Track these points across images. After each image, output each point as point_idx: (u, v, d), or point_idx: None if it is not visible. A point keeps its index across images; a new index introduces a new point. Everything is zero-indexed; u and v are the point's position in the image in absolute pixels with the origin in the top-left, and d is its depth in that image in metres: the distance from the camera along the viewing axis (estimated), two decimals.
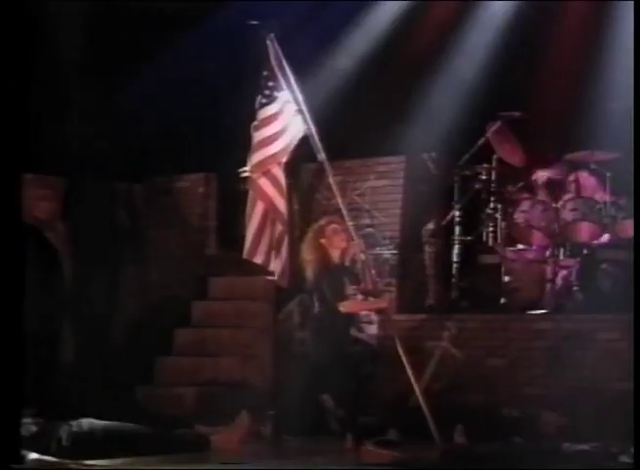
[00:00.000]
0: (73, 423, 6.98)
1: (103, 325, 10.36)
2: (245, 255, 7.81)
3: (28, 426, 6.77)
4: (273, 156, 7.80)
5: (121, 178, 10.91)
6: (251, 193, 7.82)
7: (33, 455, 6.55)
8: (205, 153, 10.57)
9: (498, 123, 9.65)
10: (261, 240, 7.74)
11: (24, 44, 6.10)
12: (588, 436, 6.90)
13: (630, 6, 8.25)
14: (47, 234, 10.18)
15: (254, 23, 8.17)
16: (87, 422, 7.04)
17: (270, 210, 7.76)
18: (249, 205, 7.81)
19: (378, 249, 10.05)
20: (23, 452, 6.41)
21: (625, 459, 6.40)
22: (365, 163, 10.49)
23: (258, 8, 9.76)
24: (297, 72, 8.03)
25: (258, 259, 7.78)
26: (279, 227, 7.77)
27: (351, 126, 10.16)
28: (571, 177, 9.56)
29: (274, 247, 7.75)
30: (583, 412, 7.66)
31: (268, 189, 7.76)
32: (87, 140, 10.32)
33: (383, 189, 10.34)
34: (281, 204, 7.80)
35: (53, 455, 6.68)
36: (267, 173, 7.77)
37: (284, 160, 7.86)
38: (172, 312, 10.23)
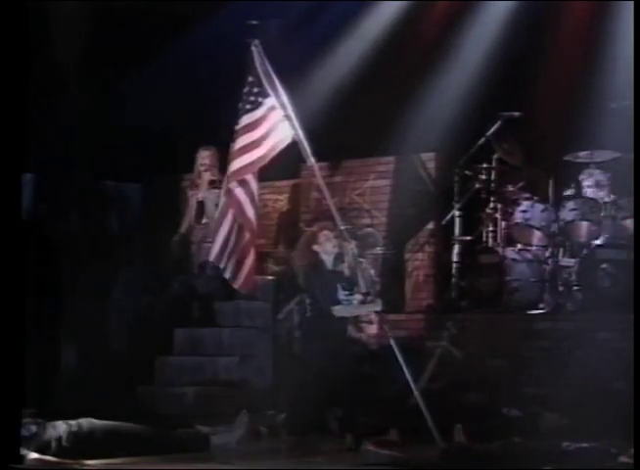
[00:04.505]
0: (73, 423, 6.98)
1: (103, 325, 10.35)
2: (212, 258, 7.98)
3: (28, 426, 6.77)
4: (252, 163, 7.89)
5: (122, 178, 10.92)
6: (223, 199, 7.92)
7: (33, 455, 6.56)
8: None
9: (498, 123, 9.66)
10: (227, 246, 7.86)
11: (24, 44, 6.10)
12: (588, 436, 6.89)
13: (630, 6, 8.25)
14: (47, 234, 10.19)
15: (254, 22, 8.18)
16: (87, 422, 7.04)
17: (240, 218, 7.87)
18: (220, 210, 7.93)
19: (378, 248, 10.05)
20: (23, 452, 6.42)
21: (625, 459, 6.40)
22: (365, 163, 10.50)
23: (257, 9, 9.77)
24: (296, 74, 8.04)
25: (222, 264, 7.94)
26: (247, 235, 7.87)
27: (351, 127, 10.16)
28: (572, 177, 9.57)
29: (237, 254, 7.87)
30: (583, 412, 7.65)
31: (242, 198, 7.89)
32: (87, 140, 10.32)
33: (383, 189, 10.35)
34: (251, 213, 7.92)
35: (53, 455, 6.68)
36: (243, 182, 7.86)
37: (260, 166, 7.95)
38: (172, 312, 10.22)
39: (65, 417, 7.09)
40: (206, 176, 10.15)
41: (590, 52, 9.49)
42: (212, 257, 7.94)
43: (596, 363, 8.13)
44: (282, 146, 7.89)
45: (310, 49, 10.20)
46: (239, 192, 7.86)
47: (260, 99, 7.87)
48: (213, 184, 10.06)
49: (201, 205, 10.17)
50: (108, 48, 10.24)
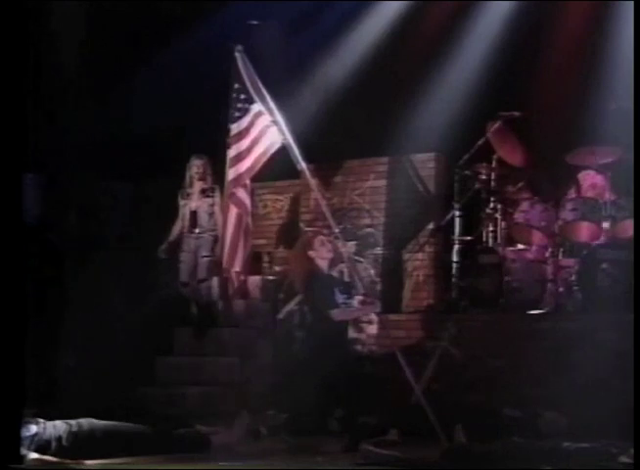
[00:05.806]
0: (73, 423, 6.98)
1: (103, 325, 10.36)
2: (225, 264, 8.10)
3: (28, 426, 6.77)
4: (247, 170, 8.02)
5: (121, 179, 10.91)
6: (228, 204, 8.04)
7: (33, 455, 6.56)
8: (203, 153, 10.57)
9: (498, 123, 9.66)
10: (238, 250, 7.96)
11: (24, 44, 6.10)
12: (588, 436, 6.89)
13: (630, 6, 8.25)
14: (48, 234, 10.18)
15: (255, 23, 8.20)
16: (87, 422, 7.04)
17: (245, 221, 8.04)
18: (225, 215, 8.16)
19: (378, 249, 10.05)
20: (23, 452, 6.42)
21: (625, 459, 6.39)
22: (365, 163, 10.50)
23: (257, 9, 9.78)
24: (296, 75, 8.04)
25: (237, 268, 8.08)
26: (249, 240, 8.12)
27: (351, 128, 10.16)
28: (572, 177, 9.57)
29: (242, 257, 8.01)
30: (583, 412, 7.65)
31: (247, 201, 8.10)
32: (86, 141, 10.32)
33: (383, 189, 10.34)
34: (250, 218, 8.16)
35: (53, 455, 6.68)
36: (244, 186, 7.97)
37: (252, 175, 8.09)
38: (172, 312, 10.23)
39: (65, 417, 7.09)
40: (199, 185, 10.13)
41: (590, 52, 9.49)
42: (225, 262, 8.03)
43: (596, 363, 8.12)
44: (272, 151, 7.98)
45: (310, 49, 10.20)
46: (243, 196, 8.02)
47: (247, 105, 7.98)
48: (205, 193, 10.06)
49: (194, 214, 10.13)
50: (108, 48, 10.25)
